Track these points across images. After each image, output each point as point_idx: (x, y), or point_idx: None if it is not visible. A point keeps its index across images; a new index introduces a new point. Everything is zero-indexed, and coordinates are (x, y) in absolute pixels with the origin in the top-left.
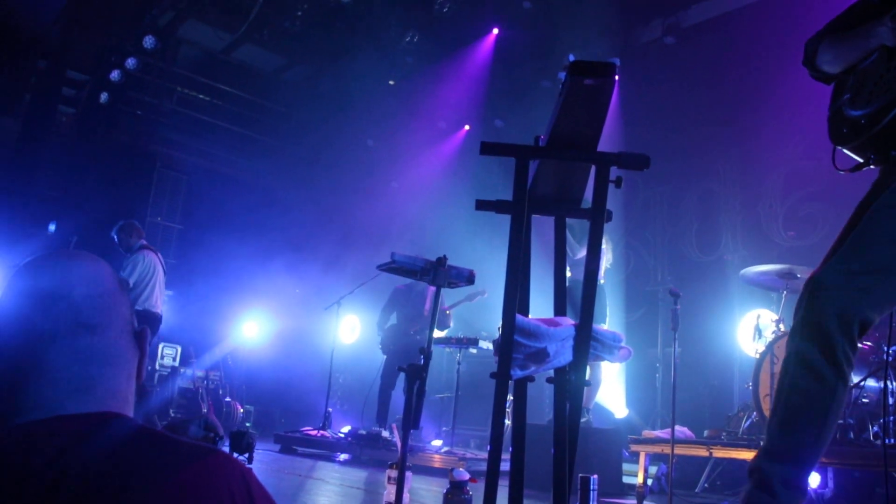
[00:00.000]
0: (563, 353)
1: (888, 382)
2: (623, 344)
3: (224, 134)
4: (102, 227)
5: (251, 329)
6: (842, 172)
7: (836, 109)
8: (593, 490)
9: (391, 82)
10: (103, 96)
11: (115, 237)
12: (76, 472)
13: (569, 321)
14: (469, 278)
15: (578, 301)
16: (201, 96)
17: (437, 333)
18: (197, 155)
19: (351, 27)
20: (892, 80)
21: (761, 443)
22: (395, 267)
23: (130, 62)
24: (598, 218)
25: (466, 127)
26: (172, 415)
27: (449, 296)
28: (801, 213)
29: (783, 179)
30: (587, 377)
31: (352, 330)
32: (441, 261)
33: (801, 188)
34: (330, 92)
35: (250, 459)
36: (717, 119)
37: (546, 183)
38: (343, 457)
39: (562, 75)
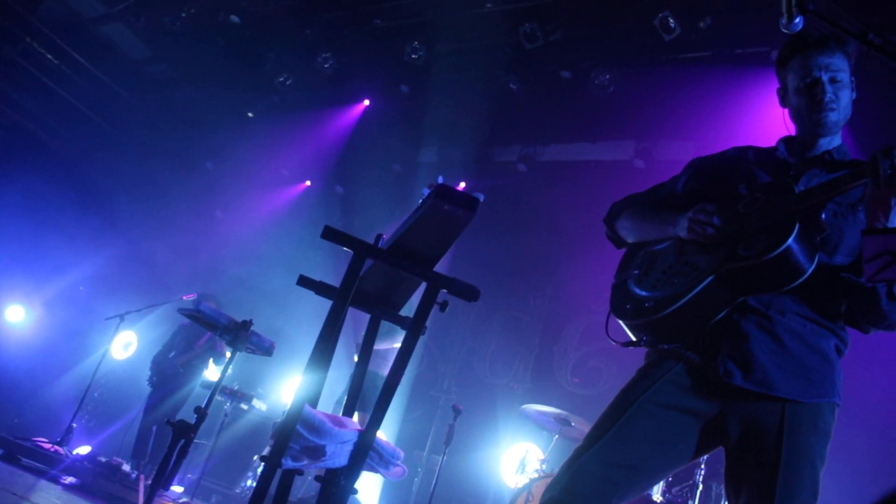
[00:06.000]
0: (339, 456)
1: None
2: (400, 462)
3: (61, 104)
4: None
5: (16, 314)
6: (613, 343)
7: (622, 281)
8: None
9: (250, 114)
10: None
11: None
12: None
13: (354, 425)
14: (268, 350)
15: (366, 393)
16: (49, 56)
17: (213, 369)
18: (23, 115)
19: (229, 48)
20: (676, 274)
21: None
22: (197, 316)
23: None
24: (415, 332)
25: (308, 182)
26: None
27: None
28: (588, 365)
29: (581, 329)
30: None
31: (125, 347)
32: (245, 324)
33: (593, 342)
34: (186, 100)
35: None
36: (541, 254)
37: (373, 281)
38: (70, 480)
39: (425, 191)
